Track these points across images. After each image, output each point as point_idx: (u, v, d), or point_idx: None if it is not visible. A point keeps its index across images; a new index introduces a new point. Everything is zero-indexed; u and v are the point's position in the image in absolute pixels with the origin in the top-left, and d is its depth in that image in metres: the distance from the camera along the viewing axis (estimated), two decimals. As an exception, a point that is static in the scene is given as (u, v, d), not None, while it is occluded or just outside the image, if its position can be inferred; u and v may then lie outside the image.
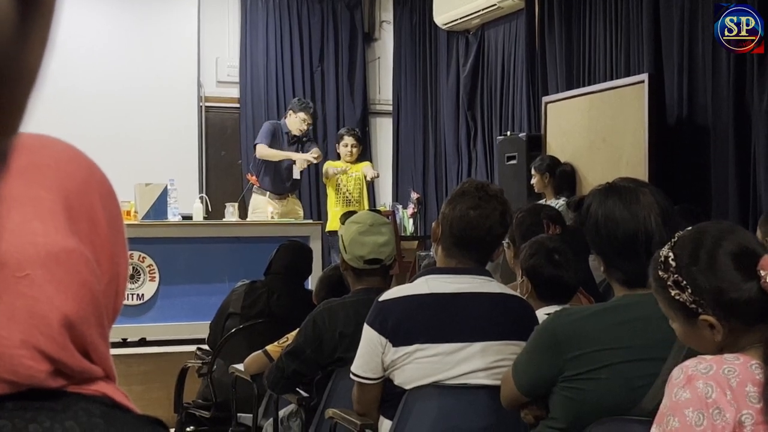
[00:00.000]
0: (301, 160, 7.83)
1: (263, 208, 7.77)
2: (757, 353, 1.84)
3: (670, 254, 1.94)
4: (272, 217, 7.53)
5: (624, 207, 2.42)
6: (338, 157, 8.49)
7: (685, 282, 1.91)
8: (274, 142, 7.88)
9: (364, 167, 8.38)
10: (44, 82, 0.41)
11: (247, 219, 7.73)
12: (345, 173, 8.16)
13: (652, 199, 2.43)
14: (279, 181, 7.93)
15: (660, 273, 1.96)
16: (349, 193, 8.26)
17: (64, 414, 0.89)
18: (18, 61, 0.39)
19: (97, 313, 0.93)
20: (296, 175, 7.98)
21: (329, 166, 8.29)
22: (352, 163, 8.31)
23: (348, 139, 8.32)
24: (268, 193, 7.89)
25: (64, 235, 0.91)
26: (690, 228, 2.01)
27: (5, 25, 0.37)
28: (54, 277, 0.88)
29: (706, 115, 6.18)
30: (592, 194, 2.53)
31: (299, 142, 8.05)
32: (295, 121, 7.93)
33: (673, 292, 1.93)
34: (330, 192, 8.41)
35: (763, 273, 1.83)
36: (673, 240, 1.98)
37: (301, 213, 8.13)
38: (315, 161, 8.04)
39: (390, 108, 10.77)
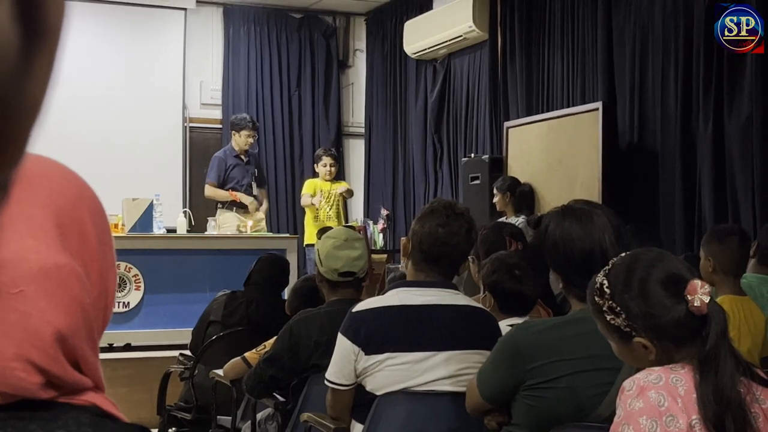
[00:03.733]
0: (247, 203, 7.90)
1: (231, 223, 7.78)
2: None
3: (605, 281, 1.95)
4: (239, 231, 7.57)
5: (580, 227, 2.41)
6: (316, 175, 8.51)
7: (618, 308, 1.92)
8: (224, 174, 7.97)
9: (341, 187, 8.42)
10: (47, 113, 0.39)
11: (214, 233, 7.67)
12: (318, 204, 8.21)
13: (605, 219, 2.43)
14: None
15: (596, 299, 1.96)
16: (328, 209, 8.29)
17: (54, 423, 0.87)
18: (22, 92, 0.36)
19: (87, 326, 0.91)
20: (254, 192, 8.07)
21: (307, 194, 8.31)
22: (330, 181, 8.34)
23: (326, 159, 8.37)
24: (234, 208, 7.92)
25: (55, 251, 0.89)
26: (622, 255, 2.01)
27: (9, 55, 0.35)
28: (46, 293, 0.86)
29: (656, 140, 6.23)
30: (549, 216, 2.52)
31: (249, 161, 8.12)
32: (241, 140, 7.97)
33: (608, 317, 1.94)
34: (308, 208, 8.42)
35: (690, 297, 1.85)
36: (606, 268, 1.98)
37: (264, 226, 8.13)
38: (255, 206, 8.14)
39: (362, 130, 10.78)
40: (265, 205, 8.24)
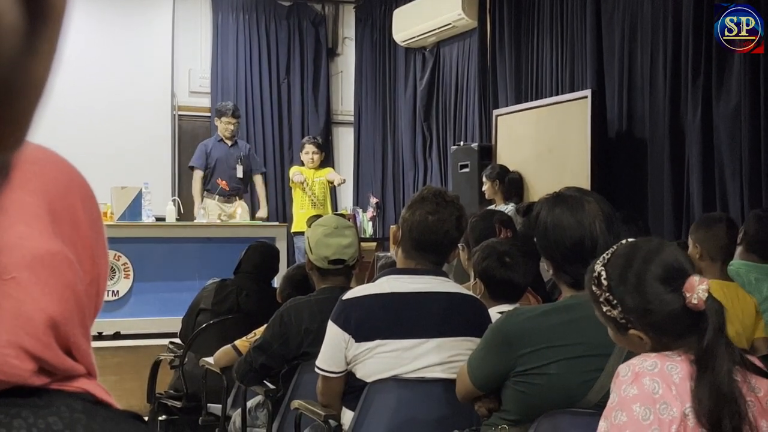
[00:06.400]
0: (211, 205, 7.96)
1: (213, 211, 7.81)
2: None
3: (603, 272, 1.94)
4: (220, 219, 7.58)
5: (570, 215, 2.41)
6: (302, 163, 8.50)
7: (615, 301, 1.91)
8: (209, 162, 8.11)
9: (329, 173, 8.43)
10: (50, 95, 0.39)
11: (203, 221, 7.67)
12: (304, 182, 8.22)
13: (596, 207, 2.43)
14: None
15: (594, 288, 1.96)
16: (315, 197, 8.28)
17: (47, 410, 0.86)
18: (25, 73, 0.36)
19: (80, 313, 0.91)
20: (239, 174, 8.13)
21: (294, 173, 8.33)
22: (314, 168, 8.34)
23: (309, 147, 8.39)
24: (216, 196, 7.94)
25: (48, 237, 0.88)
26: (623, 243, 2.00)
27: (13, 37, 0.35)
28: (39, 280, 0.86)
29: (644, 128, 6.24)
30: (541, 203, 2.52)
31: (235, 145, 8.23)
32: (221, 126, 8.18)
33: (604, 308, 1.93)
34: (296, 195, 8.43)
35: (688, 294, 1.84)
36: (606, 256, 1.97)
37: (247, 215, 8.13)
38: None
39: (351, 118, 10.77)
40: (261, 191, 8.29)
